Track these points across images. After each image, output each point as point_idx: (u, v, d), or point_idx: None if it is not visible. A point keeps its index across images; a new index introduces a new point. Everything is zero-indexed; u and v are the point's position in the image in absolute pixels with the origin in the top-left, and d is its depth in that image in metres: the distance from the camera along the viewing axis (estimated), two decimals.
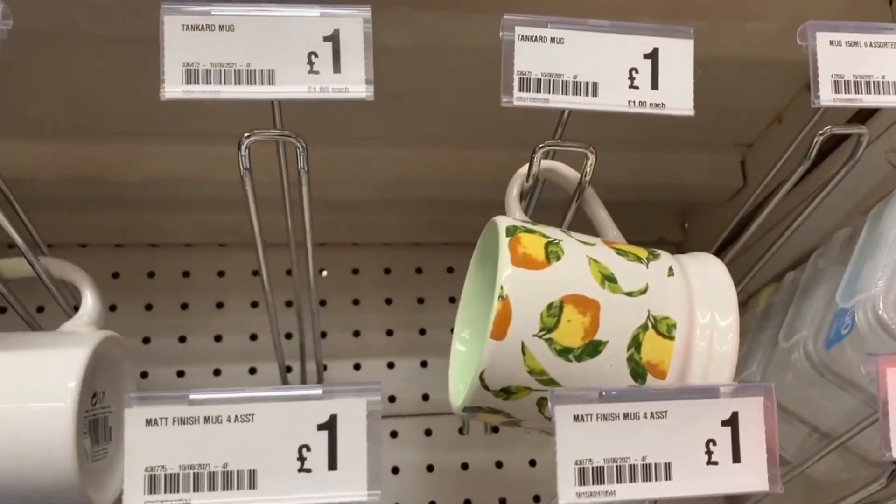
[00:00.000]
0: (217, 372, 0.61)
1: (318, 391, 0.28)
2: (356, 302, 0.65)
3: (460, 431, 0.62)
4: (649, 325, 0.34)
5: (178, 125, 0.53)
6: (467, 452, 0.62)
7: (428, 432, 0.62)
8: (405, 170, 0.59)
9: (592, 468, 0.29)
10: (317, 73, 0.33)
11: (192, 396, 0.28)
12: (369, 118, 0.55)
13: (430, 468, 0.61)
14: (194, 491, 0.27)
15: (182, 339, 0.62)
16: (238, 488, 0.27)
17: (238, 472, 0.27)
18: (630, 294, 0.35)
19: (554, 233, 0.37)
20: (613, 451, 0.29)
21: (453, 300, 0.66)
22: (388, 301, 0.66)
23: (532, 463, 0.62)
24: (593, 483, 0.29)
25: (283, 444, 0.28)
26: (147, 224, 0.63)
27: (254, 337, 0.63)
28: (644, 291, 0.35)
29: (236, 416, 0.27)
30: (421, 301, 0.66)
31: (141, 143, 0.54)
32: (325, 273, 0.65)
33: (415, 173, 0.59)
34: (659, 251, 0.38)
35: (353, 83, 0.34)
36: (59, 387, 0.37)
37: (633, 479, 0.29)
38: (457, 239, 0.67)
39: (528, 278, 0.34)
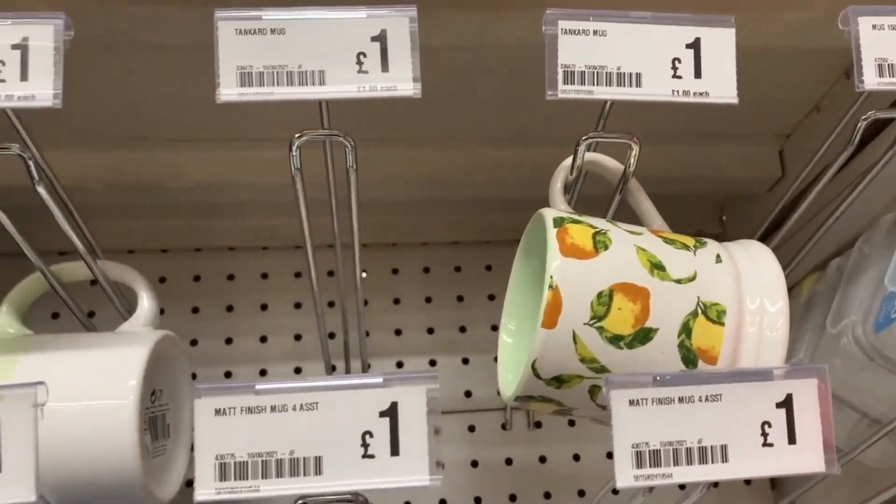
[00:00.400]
0: (263, 372, 0.63)
1: (379, 379, 0.29)
2: (397, 301, 0.66)
3: (503, 427, 0.63)
4: (699, 311, 0.35)
5: (224, 131, 0.54)
6: (511, 448, 0.63)
7: (471, 428, 0.63)
8: (443, 170, 0.60)
9: (649, 451, 0.29)
10: (366, 72, 0.34)
11: (258, 387, 0.29)
12: (406, 119, 0.56)
13: (474, 464, 0.62)
14: (263, 478, 0.28)
15: (228, 341, 0.63)
16: (305, 475, 0.28)
17: (304, 458, 0.28)
18: (679, 281, 0.35)
19: (600, 223, 0.37)
20: (669, 435, 0.29)
21: (493, 297, 0.67)
22: (428, 300, 0.66)
23: (576, 458, 0.63)
24: (650, 466, 0.29)
25: (346, 431, 0.28)
26: (192, 229, 0.64)
27: (298, 337, 0.64)
28: (693, 278, 0.35)
29: (301, 405, 0.28)
30: (460, 299, 0.67)
31: (188, 150, 0.55)
32: (364, 274, 0.66)
33: (452, 173, 0.60)
34: (706, 239, 0.38)
35: (401, 81, 0.34)
36: (122, 385, 0.38)
37: (689, 461, 0.30)
38: (495, 237, 0.67)
39: (577, 268, 0.34)
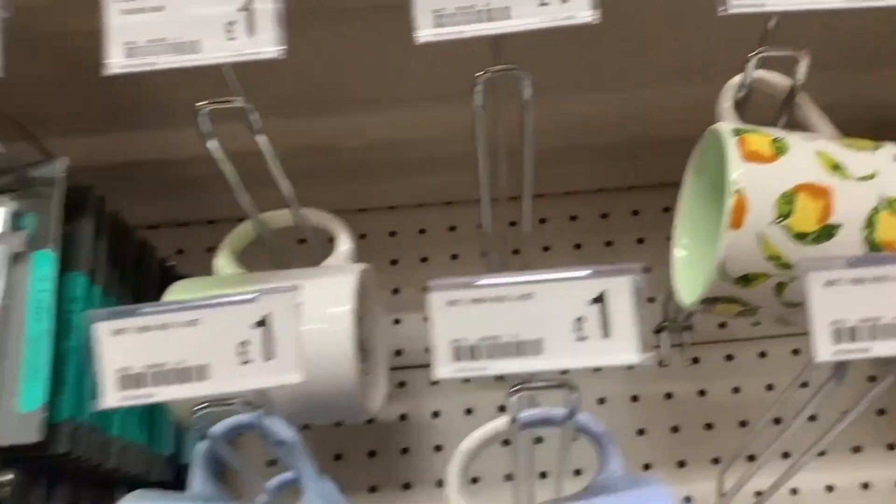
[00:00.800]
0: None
1: (588, 272, 0.32)
2: (546, 249, 0.69)
3: (660, 364, 0.65)
4: (882, 207, 0.36)
5: (394, 92, 0.59)
6: (670, 383, 0.64)
7: (629, 366, 0.65)
8: (587, 114, 0.62)
9: (846, 328, 0.31)
10: (546, 4, 0.37)
11: (477, 283, 0.32)
12: (550, 66, 0.58)
13: (634, 398, 0.64)
14: (491, 358, 0.32)
15: (395, 291, 0.68)
16: (527, 355, 0.32)
17: (526, 342, 0.32)
18: (860, 179, 0.36)
19: (776, 132, 0.39)
20: (866, 312, 0.31)
21: (641, 241, 0.69)
22: (577, 246, 0.69)
23: (735, 390, 0.64)
24: (848, 342, 0.31)
25: (561, 317, 0.32)
26: (356, 192, 0.69)
27: None
28: (873, 176, 0.37)
29: (520, 295, 0.32)
30: (609, 244, 0.69)
31: (359, 113, 0.60)
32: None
33: (597, 117, 0.62)
34: (882, 142, 0.39)
35: (580, 10, 0.37)
36: (339, 309, 0.43)
37: (886, 336, 0.31)
38: (641, 182, 0.69)
39: (758, 171, 0.36)
